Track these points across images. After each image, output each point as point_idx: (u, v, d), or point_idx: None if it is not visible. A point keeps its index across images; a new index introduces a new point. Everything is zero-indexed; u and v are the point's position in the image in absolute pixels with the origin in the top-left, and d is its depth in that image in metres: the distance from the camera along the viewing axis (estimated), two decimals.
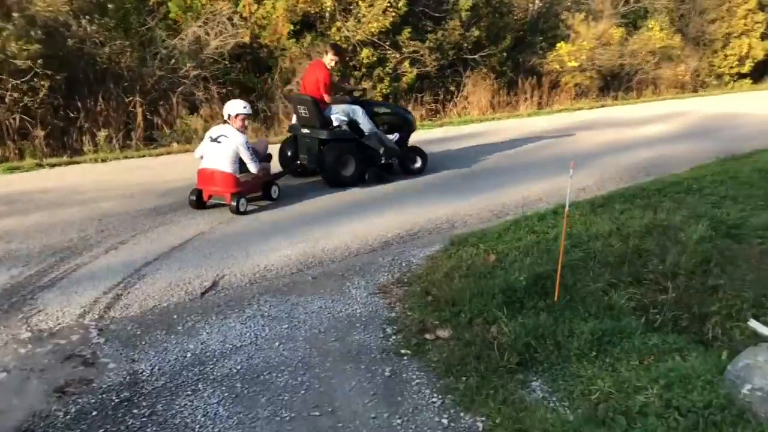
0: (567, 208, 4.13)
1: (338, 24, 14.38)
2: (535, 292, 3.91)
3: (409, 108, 15.51)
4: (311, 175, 7.59)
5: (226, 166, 6.23)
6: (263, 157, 6.74)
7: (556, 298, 3.79)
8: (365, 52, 14.44)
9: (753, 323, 2.75)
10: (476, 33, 16.77)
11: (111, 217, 5.86)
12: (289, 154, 7.88)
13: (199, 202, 6.36)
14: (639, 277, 4.28)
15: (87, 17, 11.09)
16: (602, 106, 18.75)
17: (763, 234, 5.20)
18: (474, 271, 4.26)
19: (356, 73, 14.67)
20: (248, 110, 6.54)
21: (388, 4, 14.39)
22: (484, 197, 6.70)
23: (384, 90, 14.87)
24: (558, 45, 20.53)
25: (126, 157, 9.44)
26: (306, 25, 14.31)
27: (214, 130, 6.47)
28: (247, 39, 13.43)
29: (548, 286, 3.96)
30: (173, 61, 12.48)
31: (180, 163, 8.69)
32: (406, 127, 8.24)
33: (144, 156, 9.60)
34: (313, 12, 14.21)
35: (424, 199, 6.61)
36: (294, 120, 7.95)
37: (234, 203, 6.16)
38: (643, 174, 7.89)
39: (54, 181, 7.56)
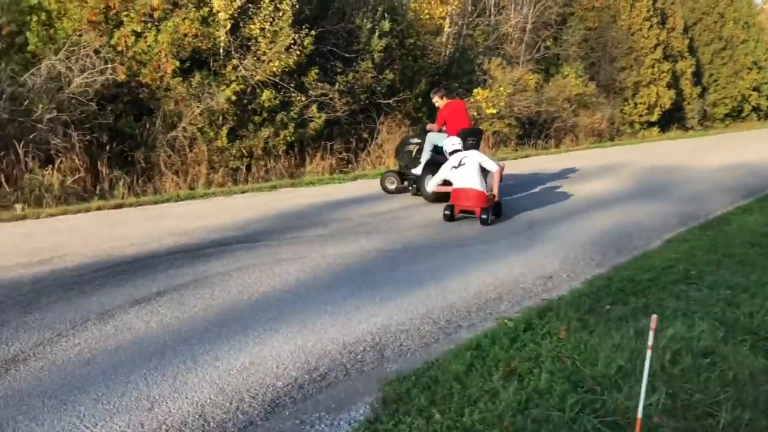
0: None
1: (234, 62, 12.39)
2: None
3: (317, 157, 13.69)
4: None
5: (477, 184, 7.46)
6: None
7: None
8: (266, 94, 12.52)
9: None
10: (390, 76, 15.28)
11: None
12: None
13: (452, 216, 7.56)
14: None
15: None
16: (526, 156, 17.50)
17: None
18: None
19: (256, 117, 12.67)
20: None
21: (292, 42, 12.57)
22: (421, 294, 4.73)
23: (288, 137, 12.92)
24: (475, 90, 19.37)
25: None
26: (196, 62, 12.23)
27: (454, 158, 7.71)
28: (122, 76, 11.17)
29: None
30: (26, 101, 10.04)
31: (6, 239, 6.34)
32: None
33: None
34: (204, 48, 12.16)
35: (333, 301, 4.48)
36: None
37: (484, 216, 7.36)
38: (613, 250, 6.22)
39: None
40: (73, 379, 3.23)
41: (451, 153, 7.85)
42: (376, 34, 14.55)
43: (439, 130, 9.07)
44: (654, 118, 29.61)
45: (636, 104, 29.02)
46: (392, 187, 9.82)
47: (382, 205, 8.68)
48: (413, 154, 9.55)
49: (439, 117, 9.13)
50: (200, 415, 2.96)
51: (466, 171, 7.52)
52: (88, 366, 3.38)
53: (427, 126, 9.62)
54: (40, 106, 9.86)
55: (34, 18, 11.11)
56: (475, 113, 19.14)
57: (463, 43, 21.13)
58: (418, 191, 9.12)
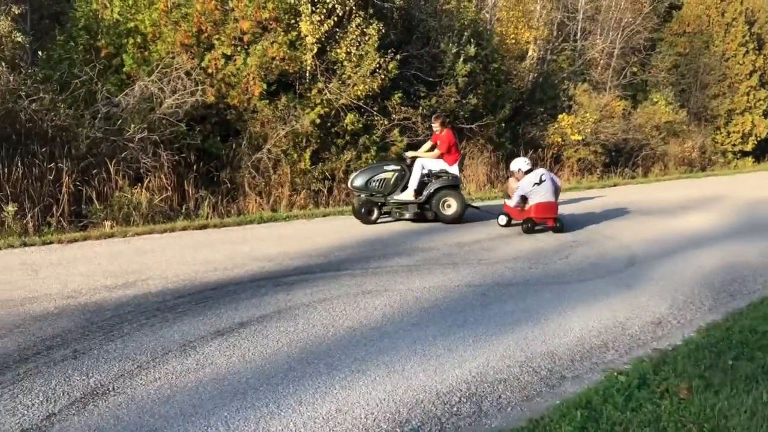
0: None
1: (320, 85, 12.41)
2: None
3: None
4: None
5: (554, 197, 8.43)
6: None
7: None
8: (350, 118, 12.47)
9: None
10: (473, 101, 15.01)
11: None
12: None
13: (533, 228, 8.32)
14: None
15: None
16: (615, 184, 16.76)
17: None
18: None
19: (339, 140, 12.63)
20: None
21: (377, 66, 12.50)
22: (518, 337, 4.35)
23: (370, 160, 12.80)
24: (560, 116, 18.80)
25: (25, 244, 7.10)
26: (283, 85, 12.31)
27: (533, 176, 8.43)
28: (211, 98, 11.34)
29: None
30: (120, 121, 10.30)
31: (93, 258, 6.39)
32: None
33: (50, 243, 7.24)
34: (291, 71, 12.22)
35: (423, 341, 4.15)
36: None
37: (559, 224, 8.35)
38: (725, 294, 5.65)
39: None
40: (152, 419, 3.04)
41: (527, 171, 8.57)
42: (461, 59, 14.32)
43: (440, 156, 9.50)
44: (748, 147, 28.07)
45: (729, 133, 27.61)
46: (372, 217, 9.42)
47: (467, 234, 8.34)
48: (392, 180, 9.32)
49: (444, 142, 9.48)
50: None
51: (546, 186, 8.36)
52: (168, 404, 3.20)
53: (407, 153, 10.30)
54: (132, 125, 10.08)
55: (131, 41, 11.48)
56: (560, 139, 18.58)
57: (547, 68, 20.64)
58: (418, 216, 9.31)
